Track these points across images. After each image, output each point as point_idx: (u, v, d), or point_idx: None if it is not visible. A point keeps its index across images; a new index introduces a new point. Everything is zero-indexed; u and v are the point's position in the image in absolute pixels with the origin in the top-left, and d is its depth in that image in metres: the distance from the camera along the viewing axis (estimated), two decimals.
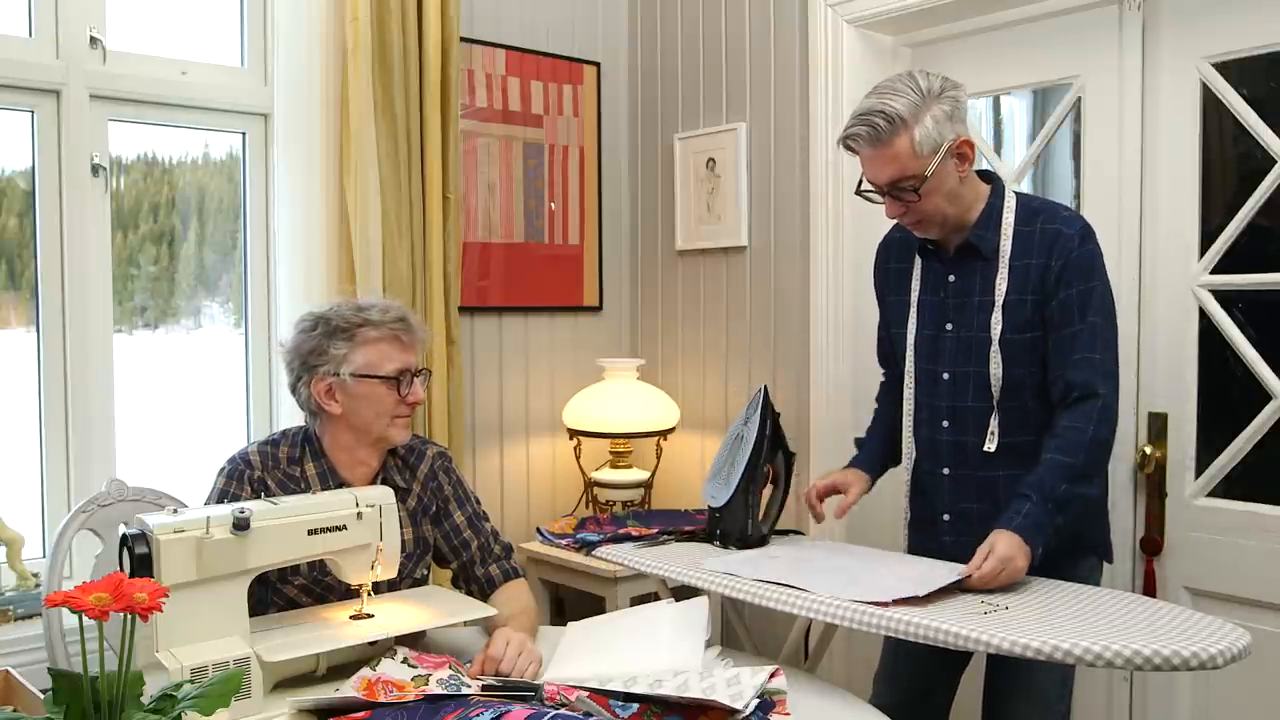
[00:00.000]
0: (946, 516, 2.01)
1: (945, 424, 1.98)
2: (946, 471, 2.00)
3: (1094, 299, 1.85)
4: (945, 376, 1.97)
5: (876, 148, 1.83)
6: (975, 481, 1.96)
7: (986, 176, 1.97)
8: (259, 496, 1.83)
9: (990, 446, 1.92)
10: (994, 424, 1.92)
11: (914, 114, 1.81)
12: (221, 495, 1.84)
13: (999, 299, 1.89)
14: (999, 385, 1.91)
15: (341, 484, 1.88)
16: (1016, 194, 1.95)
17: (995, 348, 1.89)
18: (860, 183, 1.91)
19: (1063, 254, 1.85)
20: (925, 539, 2.05)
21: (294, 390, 1.90)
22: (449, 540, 1.98)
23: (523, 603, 1.91)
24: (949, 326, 1.96)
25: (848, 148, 1.89)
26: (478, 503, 2.04)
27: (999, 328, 1.89)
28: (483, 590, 1.97)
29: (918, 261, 2.03)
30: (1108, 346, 1.86)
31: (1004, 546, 1.73)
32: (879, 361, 2.23)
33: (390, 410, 1.86)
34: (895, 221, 1.99)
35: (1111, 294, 1.89)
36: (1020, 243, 1.89)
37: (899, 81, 1.85)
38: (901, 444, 2.08)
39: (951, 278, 1.96)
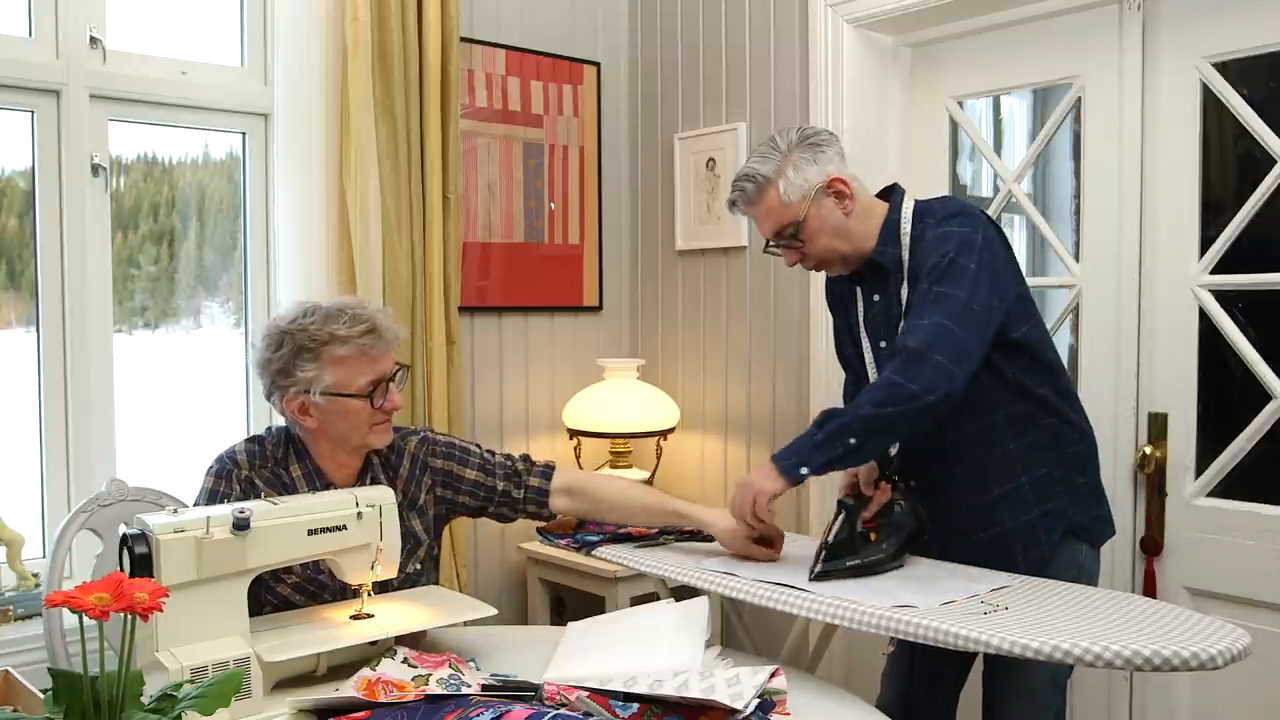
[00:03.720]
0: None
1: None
2: (912, 484, 2.00)
3: (938, 269, 1.81)
4: None
5: (751, 208, 1.98)
6: (936, 484, 1.96)
7: (888, 193, 2.01)
8: (248, 495, 1.82)
9: (892, 449, 1.92)
10: None
11: (776, 169, 1.94)
12: (211, 495, 1.82)
13: (904, 308, 1.92)
14: None
15: (328, 484, 1.88)
16: (916, 201, 1.98)
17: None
18: (766, 243, 2.02)
19: (924, 243, 1.88)
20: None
21: (268, 398, 1.89)
22: (476, 497, 1.99)
23: (637, 487, 2.10)
24: (883, 344, 2.00)
25: (736, 211, 2.02)
26: (477, 447, 2.03)
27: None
28: (539, 504, 2.01)
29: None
30: (939, 309, 1.78)
31: (742, 483, 1.85)
32: (846, 388, 2.23)
33: (367, 421, 1.84)
34: None
35: (975, 267, 1.80)
36: (914, 248, 1.92)
37: (764, 145, 1.98)
38: None
39: (876, 297, 2.00)
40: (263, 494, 1.83)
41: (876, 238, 1.96)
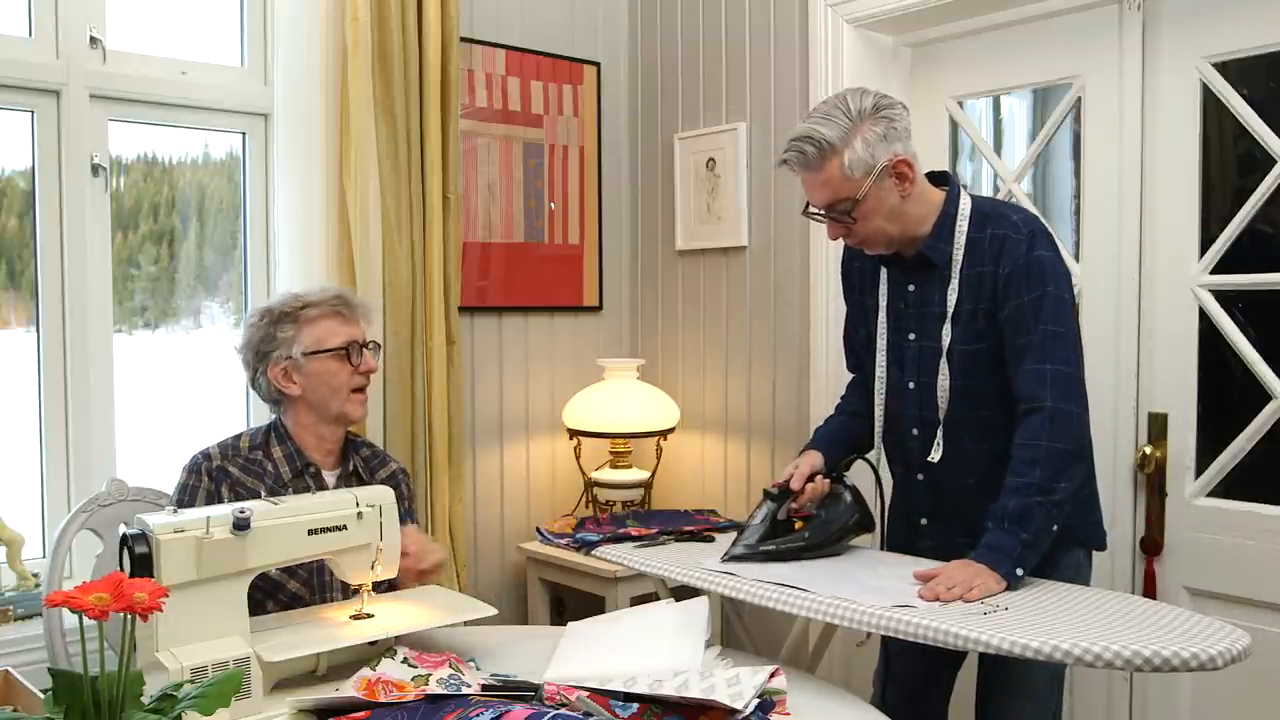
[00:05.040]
0: (924, 521, 2.03)
1: (914, 432, 1.99)
2: (920, 478, 2.00)
3: (1045, 306, 1.81)
4: (910, 386, 1.98)
5: (808, 173, 1.85)
6: (949, 488, 1.96)
7: (942, 180, 1.95)
8: (218, 484, 1.90)
9: (934, 456, 1.92)
10: (939, 435, 1.93)
11: (843, 138, 1.81)
12: (182, 490, 1.92)
13: (950, 310, 1.89)
14: (946, 397, 1.91)
15: (308, 464, 1.96)
16: (973, 198, 1.93)
17: (943, 360, 1.90)
18: (807, 204, 1.92)
19: (1010, 261, 1.83)
20: (907, 541, 2.06)
21: (254, 385, 2.00)
22: None
23: None
24: (911, 336, 1.97)
25: (787, 170, 1.91)
26: (419, 525, 2.15)
27: (948, 339, 1.89)
28: None
29: (881, 267, 2.02)
30: (1059, 354, 1.80)
31: (955, 571, 1.72)
32: (849, 367, 2.21)
33: (346, 384, 1.95)
34: None
35: (1069, 297, 1.85)
36: (972, 251, 1.88)
37: (831, 104, 1.85)
38: (860, 435, 2.11)
39: (911, 287, 1.96)
40: (236, 479, 1.90)
41: (928, 225, 1.90)
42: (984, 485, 1.89)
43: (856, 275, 2.08)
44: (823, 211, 1.89)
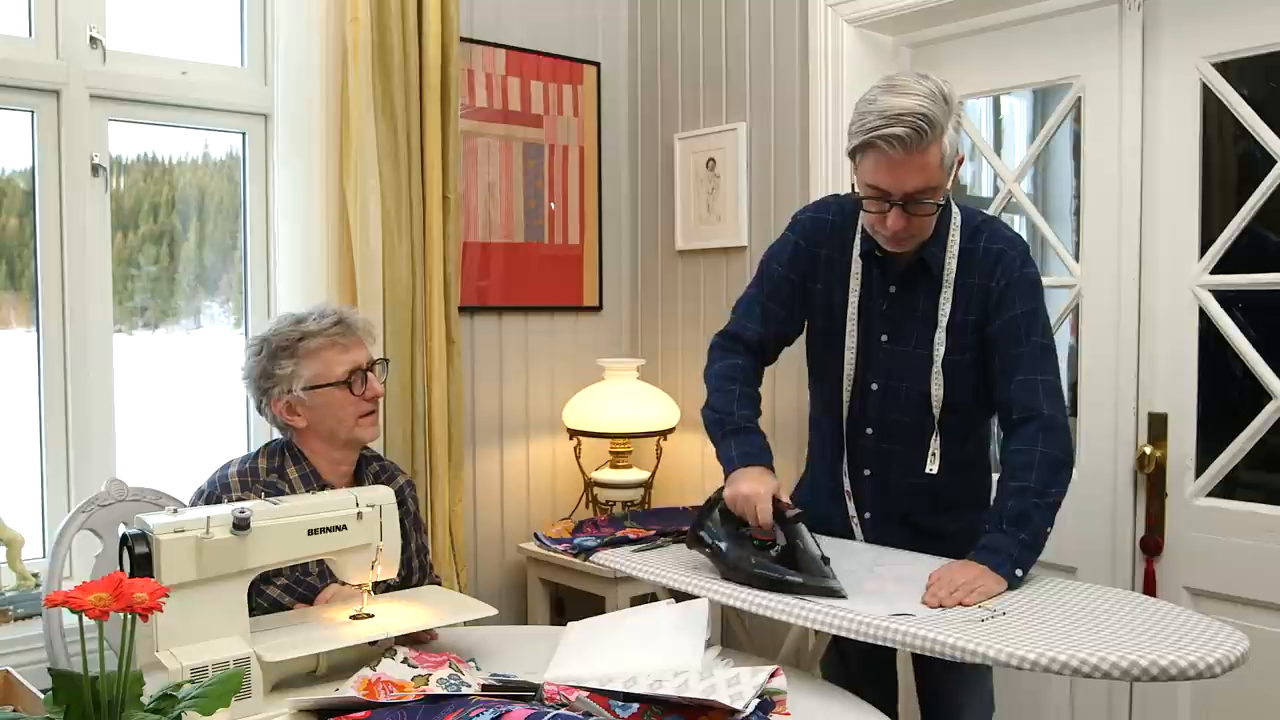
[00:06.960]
0: (868, 515, 2.02)
1: (869, 431, 1.98)
2: (867, 473, 2.00)
3: (1038, 321, 1.85)
4: (874, 387, 1.95)
5: (912, 154, 1.68)
6: (893, 487, 1.97)
7: None
8: None
9: (932, 468, 1.91)
10: (935, 445, 1.91)
11: (943, 122, 1.70)
12: None
13: (943, 319, 1.88)
14: (939, 406, 1.90)
15: (324, 486, 1.93)
16: (960, 208, 1.93)
17: (937, 369, 1.88)
18: (853, 187, 1.83)
19: (1006, 275, 1.84)
20: (847, 532, 2.05)
21: (260, 412, 1.96)
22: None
23: None
24: (884, 338, 1.93)
25: (870, 146, 1.70)
26: (426, 534, 2.13)
27: (942, 349, 1.88)
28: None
29: (855, 260, 1.95)
30: (1050, 366, 1.84)
31: (955, 573, 1.71)
32: (737, 329, 2.07)
33: (353, 411, 1.91)
34: (824, 203, 2.01)
35: (1047, 313, 1.89)
36: (964, 261, 1.87)
37: (922, 83, 1.71)
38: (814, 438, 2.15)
39: (892, 288, 1.93)
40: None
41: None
42: (930, 487, 1.92)
43: (824, 264, 1.98)
44: (898, 200, 1.74)
